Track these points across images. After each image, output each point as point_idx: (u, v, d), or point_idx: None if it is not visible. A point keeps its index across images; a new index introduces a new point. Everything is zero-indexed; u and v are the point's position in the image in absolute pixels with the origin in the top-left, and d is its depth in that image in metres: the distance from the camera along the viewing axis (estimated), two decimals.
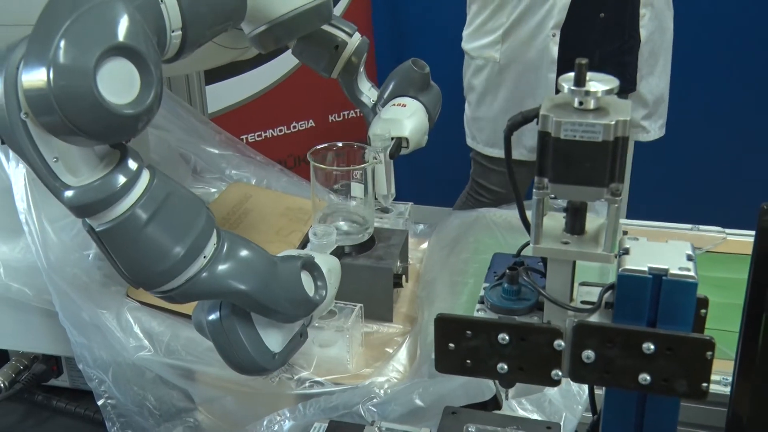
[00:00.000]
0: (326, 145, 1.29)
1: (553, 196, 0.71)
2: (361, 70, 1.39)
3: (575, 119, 0.68)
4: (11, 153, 1.22)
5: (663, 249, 0.73)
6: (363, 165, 1.28)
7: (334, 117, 3.25)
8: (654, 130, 2.29)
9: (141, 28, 0.79)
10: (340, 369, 1.19)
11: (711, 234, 1.42)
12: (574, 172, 0.69)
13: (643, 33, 2.11)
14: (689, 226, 1.44)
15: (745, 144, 3.08)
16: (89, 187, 0.81)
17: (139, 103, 0.78)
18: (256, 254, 0.93)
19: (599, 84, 0.69)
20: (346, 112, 3.26)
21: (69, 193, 0.81)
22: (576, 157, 0.68)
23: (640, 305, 0.72)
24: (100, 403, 1.18)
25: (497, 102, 2.25)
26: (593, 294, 0.78)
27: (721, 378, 1.07)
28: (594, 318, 0.75)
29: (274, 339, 0.98)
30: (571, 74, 0.70)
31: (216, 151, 1.72)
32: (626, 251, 0.72)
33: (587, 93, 0.68)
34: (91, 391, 1.20)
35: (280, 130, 3.18)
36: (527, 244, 0.81)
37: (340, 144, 1.30)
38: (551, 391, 1.08)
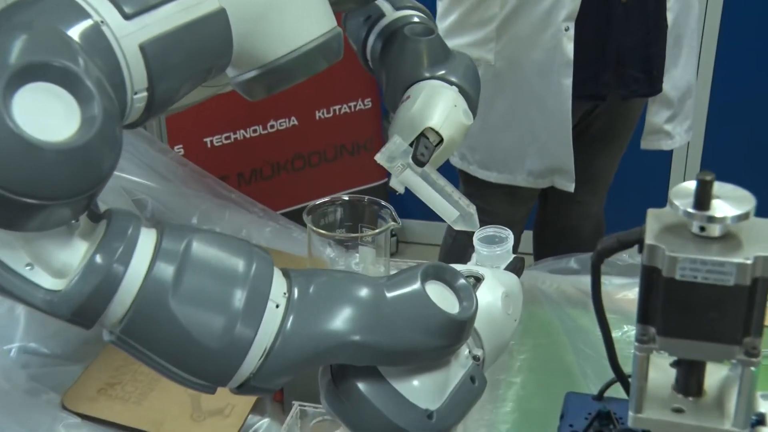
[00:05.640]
0: (327, 199, 1.07)
1: (660, 351, 0.53)
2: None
3: (697, 255, 0.50)
4: None
5: None
6: (376, 230, 1.04)
7: (323, 113, 2.73)
8: (679, 134, 1.84)
9: (66, 41, 0.60)
10: None
11: None
12: (693, 325, 0.51)
13: (670, 17, 1.69)
14: None
15: None
16: (79, 276, 0.60)
17: (82, 135, 0.57)
18: (349, 281, 0.67)
19: (728, 205, 0.51)
20: (337, 107, 2.73)
21: (61, 298, 0.60)
22: (697, 306, 0.50)
23: None
24: None
25: (494, 115, 1.75)
26: None
27: None
28: None
29: (423, 392, 0.67)
30: (686, 186, 0.51)
31: (178, 191, 1.38)
32: (762, 420, 0.55)
33: (711, 219, 0.50)
34: None
35: (254, 131, 2.65)
36: (612, 382, 0.63)
37: (345, 197, 1.09)
38: None
